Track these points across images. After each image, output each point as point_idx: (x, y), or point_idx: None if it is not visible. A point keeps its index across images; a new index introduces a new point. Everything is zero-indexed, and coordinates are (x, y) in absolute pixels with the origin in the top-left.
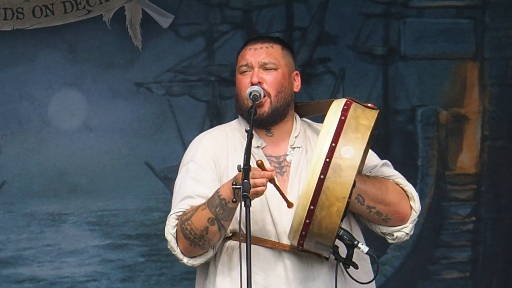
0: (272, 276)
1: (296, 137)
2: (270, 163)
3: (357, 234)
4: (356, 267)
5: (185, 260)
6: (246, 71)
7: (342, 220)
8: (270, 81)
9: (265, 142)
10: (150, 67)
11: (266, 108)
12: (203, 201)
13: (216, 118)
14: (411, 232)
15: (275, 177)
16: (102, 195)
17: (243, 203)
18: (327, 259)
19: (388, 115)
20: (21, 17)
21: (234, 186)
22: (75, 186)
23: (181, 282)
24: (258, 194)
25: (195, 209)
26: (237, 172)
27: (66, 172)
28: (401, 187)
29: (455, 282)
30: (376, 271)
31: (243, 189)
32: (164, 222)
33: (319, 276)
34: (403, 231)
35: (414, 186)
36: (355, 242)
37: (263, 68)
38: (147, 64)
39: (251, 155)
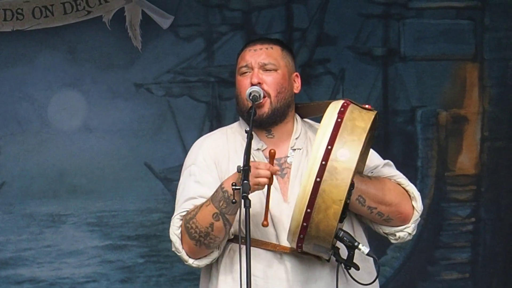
0: (273, 279)
1: (296, 138)
2: None
3: (360, 234)
4: (357, 268)
5: (191, 261)
6: (246, 72)
7: (342, 222)
8: (270, 81)
9: (266, 144)
10: (150, 68)
11: (266, 108)
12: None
13: (216, 119)
14: (414, 232)
15: (275, 178)
16: (102, 195)
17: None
18: (328, 260)
19: (388, 116)
20: (20, 18)
21: (233, 187)
22: (74, 187)
23: (180, 283)
24: (260, 185)
25: (199, 206)
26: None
27: (66, 172)
28: (403, 187)
29: (455, 283)
30: (377, 272)
31: (243, 189)
32: (163, 222)
33: (320, 278)
34: (406, 231)
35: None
36: (356, 244)
37: (263, 69)
38: (147, 65)
39: (252, 158)
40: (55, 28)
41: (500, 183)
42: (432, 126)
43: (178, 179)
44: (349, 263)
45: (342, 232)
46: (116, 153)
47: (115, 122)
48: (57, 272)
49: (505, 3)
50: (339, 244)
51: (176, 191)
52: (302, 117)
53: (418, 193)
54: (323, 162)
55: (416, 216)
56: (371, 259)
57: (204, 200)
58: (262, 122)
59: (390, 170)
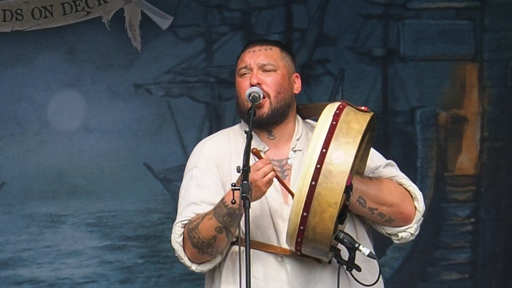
0: (274, 281)
1: (298, 139)
2: None
3: (362, 235)
4: (358, 269)
5: (194, 267)
6: (245, 74)
7: (343, 223)
8: (269, 82)
9: (268, 145)
10: (149, 68)
11: (265, 109)
12: (207, 207)
13: (215, 119)
14: (416, 232)
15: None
16: (101, 196)
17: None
18: (329, 262)
19: (387, 116)
20: (20, 18)
21: (233, 188)
22: (74, 187)
23: (180, 283)
24: (270, 182)
25: (201, 217)
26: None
27: (65, 173)
28: (404, 187)
29: (455, 283)
30: (378, 273)
31: (242, 190)
32: (163, 223)
33: (321, 280)
34: (408, 232)
35: None
36: (356, 245)
37: (262, 70)
38: (146, 66)
39: (254, 160)
40: (54, 29)
41: (499, 184)
42: (431, 126)
43: (178, 180)
44: (351, 265)
45: (343, 234)
46: (116, 153)
47: (115, 122)
48: (57, 272)
49: (504, 4)
50: (340, 246)
51: (176, 192)
52: (303, 118)
53: (420, 193)
54: (318, 166)
55: (418, 216)
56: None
57: (205, 204)
58: (262, 122)
59: (391, 171)
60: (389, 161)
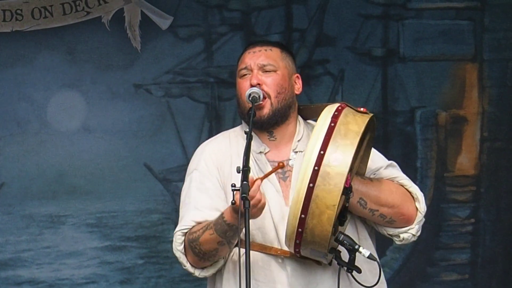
0: (275, 283)
1: (299, 140)
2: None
3: (364, 236)
4: (359, 271)
5: (197, 272)
6: (245, 74)
7: (343, 225)
8: (269, 82)
9: (268, 147)
10: (149, 68)
11: (266, 110)
12: (207, 212)
13: (215, 119)
14: (418, 233)
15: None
16: (101, 196)
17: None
18: (330, 264)
19: (387, 117)
20: (20, 18)
21: (233, 188)
22: (74, 187)
23: (179, 284)
24: (262, 208)
25: (202, 230)
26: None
27: (65, 173)
28: (405, 188)
29: (454, 284)
30: (379, 275)
31: (242, 190)
32: (163, 223)
33: (322, 282)
34: (410, 233)
35: None
36: (356, 247)
37: (262, 70)
38: (146, 66)
39: (254, 161)
40: (54, 29)
41: (499, 184)
42: (431, 126)
43: (178, 180)
44: (351, 266)
45: (343, 236)
46: (116, 154)
47: (115, 122)
48: (57, 273)
49: (504, 4)
50: (340, 247)
51: (175, 192)
52: (304, 119)
53: (422, 194)
54: (316, 168)
55: (419, 217)
56: (377, 260)
57: (205, 209)
58: (263, 123)
59: (392, 172)
60: (390, 162)
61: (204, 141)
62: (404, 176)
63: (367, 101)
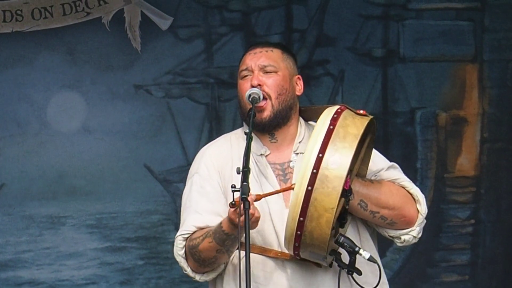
0: (275, 285)
1: (300, 142)
2: (274, 171)
3: (365, 238)
4: (359, 273)
5: (198, 277)
6: (246, 76)
7: (343, 227)
8: (270, 83)
9: (269, 149)
10: (149, 69)
11: (267, 112)
12: (208, 216)
13: (215, 120)
14: (419, 235)
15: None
16: (101, 197)
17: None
18: (330, 266)
19: (387, 117)
20: (20, 19)
21: (233, 189)
22: (74, 188)
23: (180, 285)
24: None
25: (202, 237)
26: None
27: (65, 174)
28: (406, 190)
29: (455, 285)
30: (379, 277)
31: (242, 191)
32: (163, 224)
33: (322, 284)
34: (411, 234)
35: None
36: (356, 249)
37: (263, 71)
38: (146, 66)
39: (254, 163)
40: (54, 29)
41: (500, 185)
42: (431, 127)
43: (178, 181)
44: (351, 268)
45: (343, 238)
46: (116, 154)
47: (115, 123)
48: (57, 274)
49: (505, 4)
50: (341, 250)
51: (175, 193)
52: (306, 120)
53: (423, 196)
54: (314, 171)
55: (420, 219)
56: (379, 260)
57: (205, 213)
58: (265, 125)
59: (394, 173)
60: (391, 163)
61: (204, 142)
62: (405, 177)
63: (367, 101)
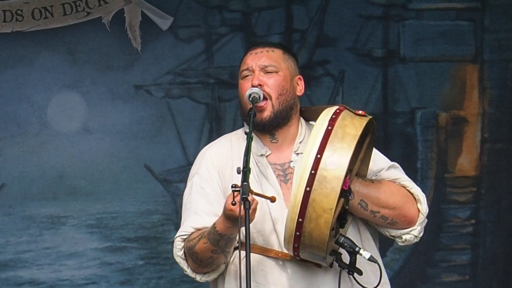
0: (275, 285)
1: (300, 142)
2: (274, 171)
3: (366, 237)
4: (360, 273)
5: (198, 277)
6: (247, 76)
7: (344, 227)
8: (271, 83)
9: (270, 149)
10: (149, 69)
11: (268, 112)
12: (206, 218)
13: (215, 120)
14: (420, 235)
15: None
16: (101, 197)
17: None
18: (330, 266)
19: (388, 118)
20: (20, 19)
21: (233, 189)
22: (74, 188)
23: (180, 285)
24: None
25: (198, 238)
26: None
27: (65, 174)
28: (407, 190)
29: (455, 285)
30: (379, 277)
31: (243, 191)
32: (163, 224)
33: (323, 284)
34: (412, 234)
35: None
36: (356, 249)
37: (264, 71)
38: (146, 67)
39: (255, 163)
40: (54, 29)
41: (500, 185)
42: (431, 127)
43: (178, 181)
44: (352, 268)
45: (343, 238)
46: (116, 155)
47: (115, 123)
48: (57, 274)
49: (505, 4)
50: (341, 250)
51: (175, 193)
52: (306, 121)
53: (423, 195)
54: (313, 171)
55: (421, 218)
56: (380, 260)
57: (204, 215)
58: (265, 125)
59: (394, 173)
60: (392, 163)
61: (204, 142)
62: (406, 177)
63: (368, 102)
